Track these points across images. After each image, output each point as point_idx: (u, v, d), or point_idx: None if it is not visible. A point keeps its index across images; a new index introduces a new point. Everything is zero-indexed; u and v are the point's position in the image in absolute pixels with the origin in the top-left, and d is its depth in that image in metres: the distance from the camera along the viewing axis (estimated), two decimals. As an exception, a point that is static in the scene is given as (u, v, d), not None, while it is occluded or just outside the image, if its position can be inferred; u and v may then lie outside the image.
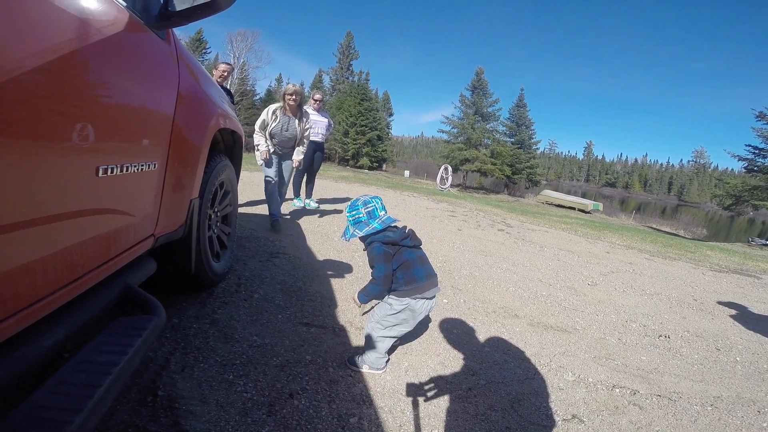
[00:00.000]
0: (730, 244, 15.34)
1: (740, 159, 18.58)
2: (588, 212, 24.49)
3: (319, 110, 5.02)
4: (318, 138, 4.95)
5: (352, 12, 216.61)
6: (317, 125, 4.91)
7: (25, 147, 0.65)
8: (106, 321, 0.99)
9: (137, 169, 1.01)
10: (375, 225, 1.57)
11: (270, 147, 3.80)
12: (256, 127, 3.77)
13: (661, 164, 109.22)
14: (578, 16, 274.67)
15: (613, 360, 2.06)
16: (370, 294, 1.57)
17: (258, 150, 3.77)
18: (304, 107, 5.08)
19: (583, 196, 40.05)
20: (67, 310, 0.86)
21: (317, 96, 5.05)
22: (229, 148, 2.23)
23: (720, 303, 3.51)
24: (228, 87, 5.13)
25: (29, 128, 0.65)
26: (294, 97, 3.73)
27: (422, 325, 2.07)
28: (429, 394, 1.50)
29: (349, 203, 1.68)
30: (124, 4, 0.98)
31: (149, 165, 1.08)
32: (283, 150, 3.92)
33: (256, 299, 2.07)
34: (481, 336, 2.10)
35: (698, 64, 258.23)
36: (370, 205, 1.61)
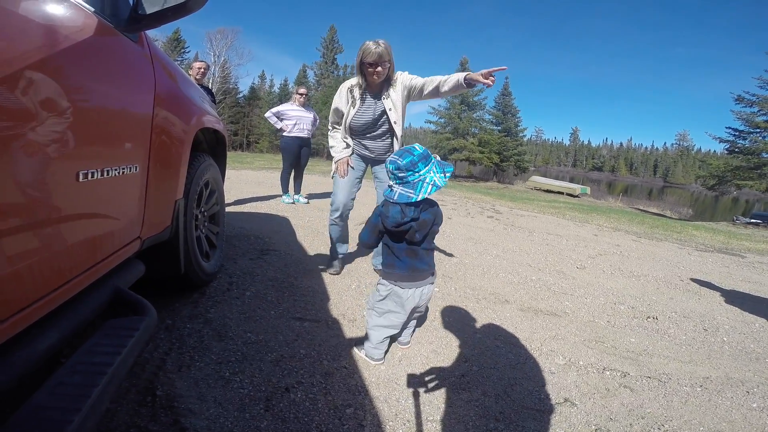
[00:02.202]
0: (715, 223, 15.71)
1: (721, 141, 19.10)
2: (576, 196, 24.81)
3: (304, 105, 4.99)
4: (304, 134, 4.93)
5: (335, 5, 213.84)
6: (302, 121, 4.89)
7: (2, 156, 0.64)
8: (99, 324, 1.00)
9: (118, 173, 1.00)
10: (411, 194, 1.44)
11: (350, 150, 2.44)
12: (329, 121, 2.51)
13: (646, 147, 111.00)
14: (561, 4, 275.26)
15: (602, 342, 2.09)
16: (361, 238, 1.59)
17: (333, 154, 2.47)
18: (291, 104, 5.00)
19: (571, 180, 40.49)
20: (58, 314, 0.86)
21: (302, 90, 5.01)
22: (213, 147, 2.22)
23: (706, 283, 3.57)
24: (209, 86, 5.06)
25: (5, 137, 0.64)
26: (378, 67, 2.14)
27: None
28: (423, 382, 1.52)
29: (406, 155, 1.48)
30: (92, 9, 0.96)
31: (131, 168, 1.07)
32: (375, 152, 2.43)
33: (248, 297, 2.08)
34: (473, 323, 2.13)
35: (679, 49, 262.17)
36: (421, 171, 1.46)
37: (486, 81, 1.98)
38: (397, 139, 2.37)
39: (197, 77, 4.19)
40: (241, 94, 40.10)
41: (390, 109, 2.27)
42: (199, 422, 1.17)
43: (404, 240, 1.50)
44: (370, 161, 2.48)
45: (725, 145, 19.04)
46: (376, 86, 2.29)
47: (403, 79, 2.27)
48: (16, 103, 0.66)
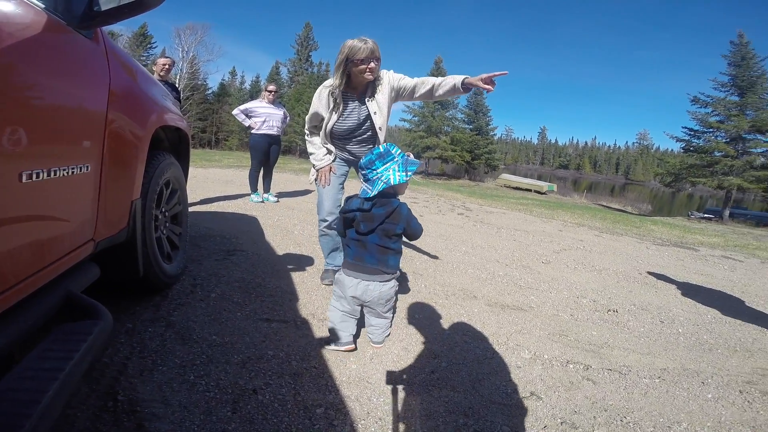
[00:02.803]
0: (672, 218, 16.68)
1: (678, 140, 20.29)
2: (543, 193, 25.67)
3: (273, 102, 4.91)
4: (273, 131, 4.85)
5: (310, 2, 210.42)
6: (272, 118, 4.81)
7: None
8: (51, 328, 0.96)
9: (67, 173, 0.96)
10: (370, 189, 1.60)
11: (331, 155, 2.28)
12: (306, 124, 2.34)
13: (609, 146, 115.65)
14: (530, 7, 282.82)
15: (566, 336, 2.14)
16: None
17: (313, 162, 2.31)
18: (260, 101, 4.88)
19: (539, 178, 41.76)
20: (4, 319, 0.83)
21: (271, 87, 4.93)
22: (175, 145, 2.14)
23: (662, 276, 3.70)
24: (175, 83, 4.88)
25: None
26: (371, 62, 1.97)
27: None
28: (394, 380, 1.54)
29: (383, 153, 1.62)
30: (42, 6, 0.92)
31: (81, 168, 1.02)
32: (358, 157, 2.28)
33: (213, 298, 2.03)
34: (442, 319, 2.16)
35: (641, 52, 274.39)
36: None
37: (487, 86, 1.89)
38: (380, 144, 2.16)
39: (161, 74, 4.06)
40: (210, 91, 39.09)
41: (375, 113, 2.12)
42: (164, 426, 1.14)
43: (353, 229, 1.64)
44: (353, 163, 2.34)
45: (681, 144, 20.21)
46: (360, 88, 2.12)
47: (390, 78, 2.12)
48: None
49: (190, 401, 1.26)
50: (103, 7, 1.01)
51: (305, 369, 1.53)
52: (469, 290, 2.68)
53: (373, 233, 1.60)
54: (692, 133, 19.63)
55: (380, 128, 2.16)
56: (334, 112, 2.13)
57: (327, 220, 2.27)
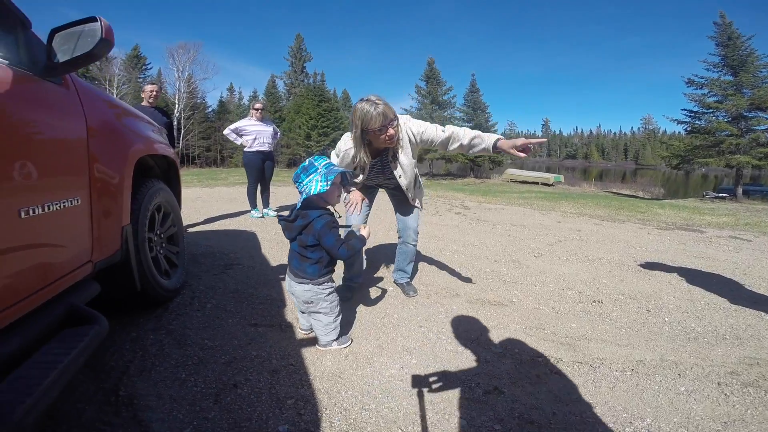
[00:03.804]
0: (683, 200, 16.48)
1: (679, 122, 20.09)
2: (551, 185, 25.44)
3: (262, 119, 5.11)
4: (265, 147, 5.05)
5: (299, 13, 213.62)
6: (262, 135, 5.01)
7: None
8: (59, 331, 1.18)
9: (60, 206, 1.17)
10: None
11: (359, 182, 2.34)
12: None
13: (615, 133, 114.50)
14: (518, 3, 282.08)
15: (543, 329, 2.14)
16: None
17: (344, 196, 2.31)
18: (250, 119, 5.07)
19: (548, 170, 41.42)
20: (20, 325, 1.05)
21: (258, 105, 5.13)
22: (165, 171, 2.36)
23: (659, 262, 3.59)
24: (167, 107, 5.14)
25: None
26: (389, 129, 1.97)
27: (364, 314, 2.28)
28: (364, 374, 1.66)
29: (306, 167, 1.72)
30: (6, 62, 1.12)
31: (72, 201, 1.24)
32: (385, 186, 2.49)
33: (208, 308, 2.23)
34: (419, 317, 2.24)
35: (635, 38, 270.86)
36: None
37: (519, 154, 1.84)
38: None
39: (150, 100, 4.28)
40: (210, 109, 39.72)
41: (400, 176, 2.20)
42: (155, 415, 1.34)
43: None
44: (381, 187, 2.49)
45: (684, 126, 20.04)
46: (381, 149, 2.11)
47: (411, 134, 2.10)
48: None
49: (179, 395, 1.46)
50: (61, 59, 1.22)
51: (283, 366, 1.70)
52: (452, 288, 2.73)
53: (294, 241, 1.78)
54: (693, 114, 19.51)
55: (407, 188, 2.28)
56: (360, 174, 2.23)
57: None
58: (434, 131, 2.09)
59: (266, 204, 5.34)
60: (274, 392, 1.52)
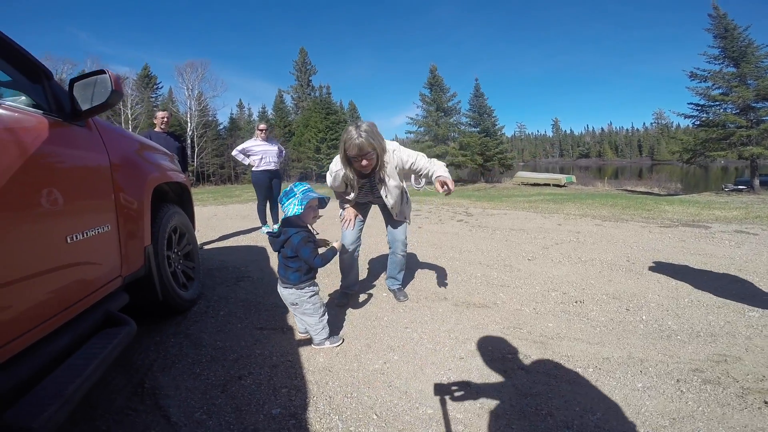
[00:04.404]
0: (697, 195, 16.13)
1: (686, 117, 19.84)
2: (563, 186, 24.95)
3: (267, 139, 5.39)
4: (271, 166, 5.33)
5: (302, 26, 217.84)
6: (267, 154, 5.29)
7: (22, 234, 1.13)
8: (98, 332, 1.47)
9: (95, 233, 1.48)
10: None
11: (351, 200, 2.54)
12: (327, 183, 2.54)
13: (627, 130, 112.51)
14: (519, 3, 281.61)
15: (520, 329, 2.24)
16: None
17: (341, 212, 2.62)
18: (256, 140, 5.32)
19: (561, 170, 40.90)
20: (68, 327, 1.35)
21: (262, 126, 5.41)
22: (179, 195, 2.69)
23: (653, 261, 3.60)
24: (178, 131, 5.49)
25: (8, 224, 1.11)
26: (363, 160, 2.16)
27: (357, 317, 2.53)
28: (351, 369, 1.90)
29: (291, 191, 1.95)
30: (41, 112, 1.37)
31: (104, 228, 1.55)
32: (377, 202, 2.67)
33: (221, 315, 2.53)
34: (406, 320, 2.42)
35: (638, 31, 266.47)
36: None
37: (439, 188, 2.11)
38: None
39: (162, 126, 4.63)
40: (222, 126, 40.06)
41: (386, 196, 2.40)
42: (172, 402, 1.63)
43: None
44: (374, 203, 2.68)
45: (692, 120, 19.82)
46: (369, 172, 2.30)
47: (399, 163, 2.30)
48: (10, 200, 1.11)
49: (194, 386, 1.74)
50: (83, 107, 1.49)
51: (281, 362, 1.96)
52: (441, 293, 2.88)
53: (279, 253, 2.04)
54: (699, 107, 19.29)
55: (392, 207, 2.49)
56: (352, 191, 2.44)
57: (348, 251, 2.60)
58: (421, 162, 2.33)
59: (275, 220, 5.62)
60: (271, 383, 1.78)
